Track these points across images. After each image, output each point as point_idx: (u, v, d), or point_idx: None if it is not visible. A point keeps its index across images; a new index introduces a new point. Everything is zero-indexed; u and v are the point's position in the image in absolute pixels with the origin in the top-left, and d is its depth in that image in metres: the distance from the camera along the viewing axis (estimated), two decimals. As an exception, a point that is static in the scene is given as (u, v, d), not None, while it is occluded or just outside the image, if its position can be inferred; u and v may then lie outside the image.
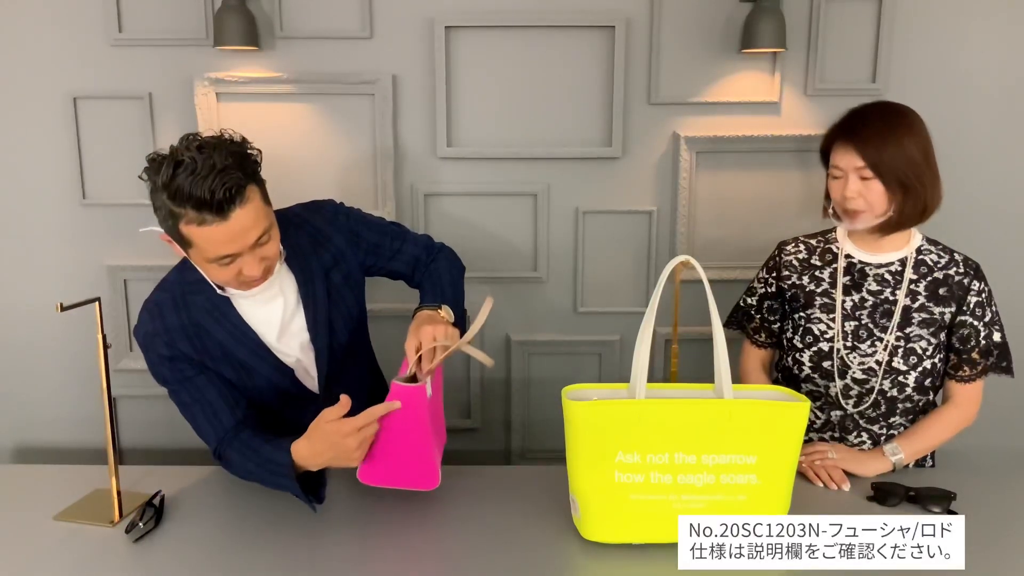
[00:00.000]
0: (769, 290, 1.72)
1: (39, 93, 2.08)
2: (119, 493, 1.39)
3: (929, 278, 1.59)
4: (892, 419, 1.62)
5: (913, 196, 1.52)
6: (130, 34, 2.05)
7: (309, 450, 1.33)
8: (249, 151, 1.34)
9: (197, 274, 1.44)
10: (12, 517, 1.39)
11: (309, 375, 1.54)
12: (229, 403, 1.46)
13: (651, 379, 1.26)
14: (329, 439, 1.31)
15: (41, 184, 2.13)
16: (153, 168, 1.29)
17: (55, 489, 1.47)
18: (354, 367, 1.55)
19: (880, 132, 1.51)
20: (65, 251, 2.17)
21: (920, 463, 1.67)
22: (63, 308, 1.29)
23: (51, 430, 2.28)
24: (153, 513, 1.35)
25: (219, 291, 1.43)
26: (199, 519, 1.38)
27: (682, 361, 1.91)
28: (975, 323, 1.58)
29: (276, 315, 1.47)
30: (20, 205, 2.15)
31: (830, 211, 1.60)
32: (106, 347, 1.38)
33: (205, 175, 1.24)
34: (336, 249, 1.54)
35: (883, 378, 1.58)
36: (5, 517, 1.39)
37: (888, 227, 1.55)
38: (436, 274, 1.61)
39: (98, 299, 1.37)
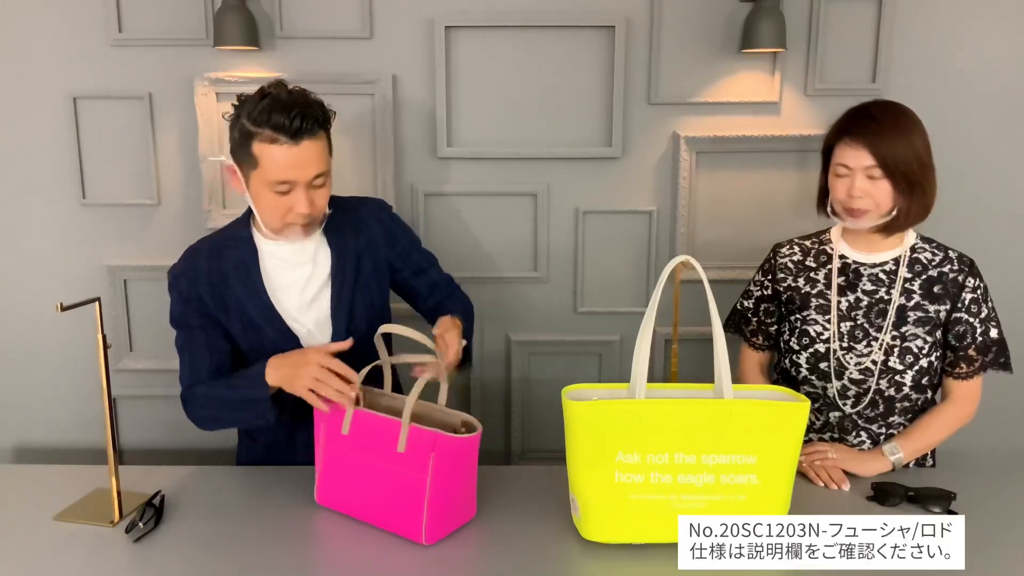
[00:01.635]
0: (765, 293, 1.72)
1: (39, 93, 2.08)
2: (119, 493, 1.39)
3: (924, 276, 1.59)
4: (891, 418, 1.62)
5: (919, 195, 1.52)
6: (130, 34, 2.05)
7: (277, 361, 1.42)
8: (328, 108, 1.49)
9: (241, 231, 1.57)
10: (12, 517, 1.39)
11: None
12: (215, 363, 1.54)
13: (651, 379, 1.26)
14: (296, 356, 1.40)
15: (41, 184, 2.13)
16: (242, 102, 1.45)
17: (55, 489, 1.47)
18: (366, 364, 1.55)
19: (890, 130, 1.50)
20: (65, 251, 2.17)
21: (920, 463, 1.67)
22: (63, 308, 1.29)
23: (51, 430, 2.28)
24: (153, 513, 1.35)
25: (264, 235, 1.53)
26: (199, 519, 1.38)
27: (682, 361, 1.91)
28: (971, 320, 1.58)
29: (300, 282, 1.55)
30: (20, 205, 2.15)
31: (829, 209, 1.60)
32: (106, 347, 1.38)
33: (289, 105, 1.41)
34: (371, 237, 1.61)
35: (880, 378, 1.58)
36: (5, 517, 1.39)
37: (890, 227, 1.55)
38: (455, 301, 1.72)
39: (98, 299, 1.37)
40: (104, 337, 1.38)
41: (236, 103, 1.45)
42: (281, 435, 1.61)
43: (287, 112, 1.39)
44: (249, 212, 1.58)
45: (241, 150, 1.44)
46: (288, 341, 1.54)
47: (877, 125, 1.51)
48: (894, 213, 1.53)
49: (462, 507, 1.35)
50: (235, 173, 1.48)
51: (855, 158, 1.52)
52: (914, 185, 1.51)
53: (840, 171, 1.55)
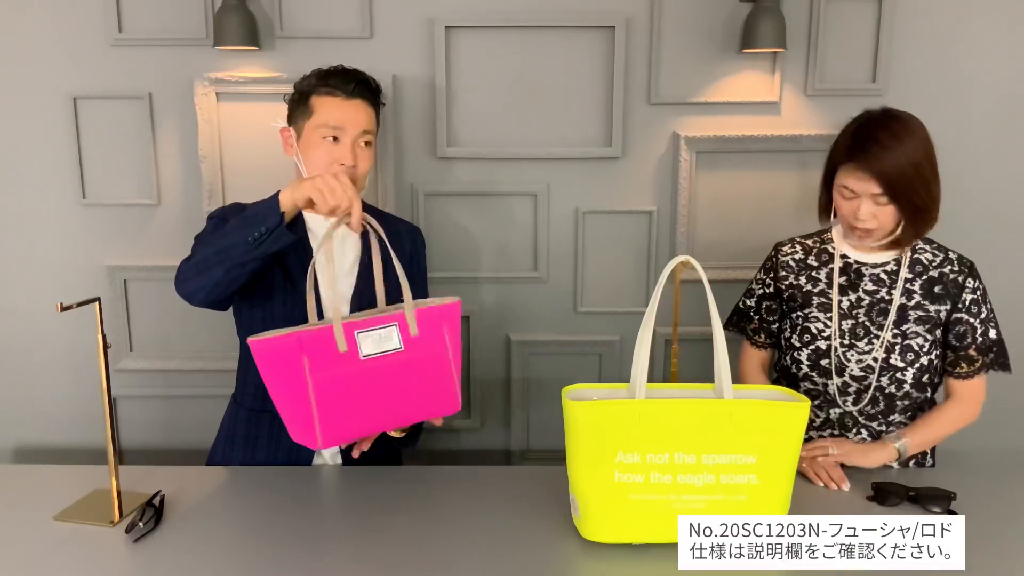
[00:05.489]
0: (767, 291, 1.73)
1: (39, 93, 2.08)
2: (119, 493, 1.39)
3: (924, 276, 1.60)
4: (891, 416, 1.62)
5: (923, 214, 1.52)
6: (130, 34, 2.05)
7: (298, 181, 1.43)
8: (380, 88, 1.66)
9: None
10: (12, 517, 1.39)
11: None
12: None
13: (651, 379, 1.26)
14: (322, 174, 1.42)
15: (41, 184, 2.14)
16: (305, 76, 1.62)
17: (55, 489, 1.47)
18: None
19: (896, 156, 1.46)
20: (65, 251, 2.17)
21: (920, 463, 1.67)
22: (63, 308, 1.29)
23: (51, 430, 2.28)
24: (153, 513, 1.35)
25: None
26: (199, 519, 1.38)
27: (682, 361, 1.91)
28: (971, 320, 1.58)
29: (335, 256, 1.58)
30: (20, 205, 2.15)
31: (832, 219, 1.60)
32: (106, 347, 1.38)
33: (348, 72, 1.60)
34: (401, 248, 1.64)
35: (881, 375, 1.58)
36: (5, 517, 1.39)
37: (895, 243, 1.56)
38: None
39: (98, 299, 1.36)
40: (104, 337, 1.38)
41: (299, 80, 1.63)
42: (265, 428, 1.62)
43: (345, 76, 1.59)
44: None
45: (298, 106, 1.60)
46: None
47: (883, 152, 1.47)
48: (897, 232, 1.53)
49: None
50: (288, 134, 1.61)
51: (860, 184, 1.49)
52: (919, 207, 1.50)
53: (845, 193, 1.53)
